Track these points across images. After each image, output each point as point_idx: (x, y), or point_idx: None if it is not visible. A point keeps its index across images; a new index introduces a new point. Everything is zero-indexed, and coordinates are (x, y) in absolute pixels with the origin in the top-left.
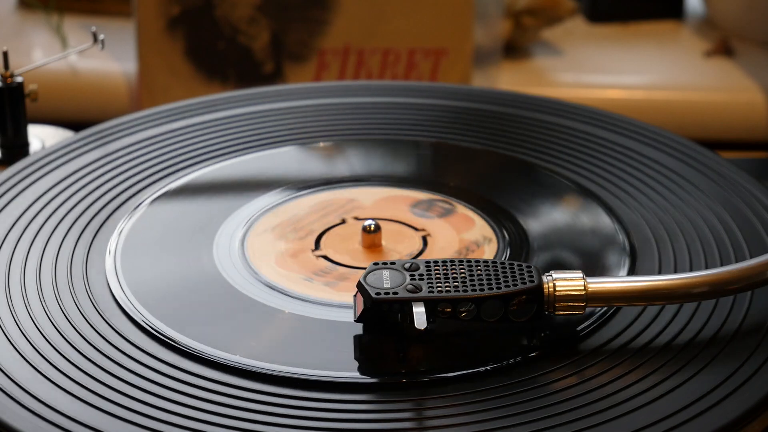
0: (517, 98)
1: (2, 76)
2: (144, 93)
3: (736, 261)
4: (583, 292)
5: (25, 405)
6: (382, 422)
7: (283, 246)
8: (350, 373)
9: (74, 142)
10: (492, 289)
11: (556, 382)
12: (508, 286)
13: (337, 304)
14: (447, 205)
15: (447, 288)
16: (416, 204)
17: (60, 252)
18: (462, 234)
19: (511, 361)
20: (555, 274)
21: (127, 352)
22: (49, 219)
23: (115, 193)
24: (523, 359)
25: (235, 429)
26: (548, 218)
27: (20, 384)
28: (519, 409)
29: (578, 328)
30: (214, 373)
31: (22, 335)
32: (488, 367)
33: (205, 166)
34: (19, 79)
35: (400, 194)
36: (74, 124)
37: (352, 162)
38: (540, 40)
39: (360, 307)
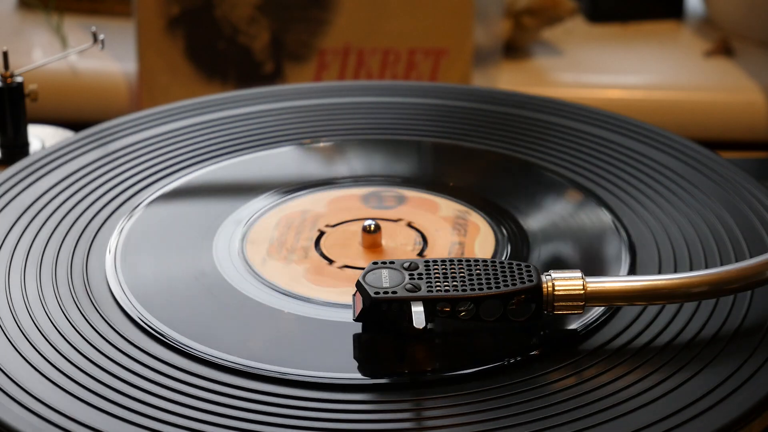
0: (517, 98)
1: (2, 76)
2: (144, 93)
3: (736, 261)
4: (582, 292)
5: (25, 405)
6: (381, 422)
7: (283, 245)
8: (350, 373)
9: (74, 142)
10: (491, 288)
11: (555, 382)
12: (507, 286)
13: (336, 304)
14: (396, 194)
15: (446, 287)
16: (365, 199)
17: (60, 252)
18: (438, 213)
19: (511, 361)
20: (554, 274)
21: (127, 352)
22: (49, 219)
23: (115, 193)
24: (523, 359)
25: (235, 429)
26: (548, 218)
27: (20, 384)
28: (519, 409)
29: (578, 328)
30: (214, 373)
31: (22, 335)
32: (488, 367)
33: (204, 166)
34: (19, 79)
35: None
36: (74, 124)
37: (351, 162)
38: (540, 40)
39: (359, 307)
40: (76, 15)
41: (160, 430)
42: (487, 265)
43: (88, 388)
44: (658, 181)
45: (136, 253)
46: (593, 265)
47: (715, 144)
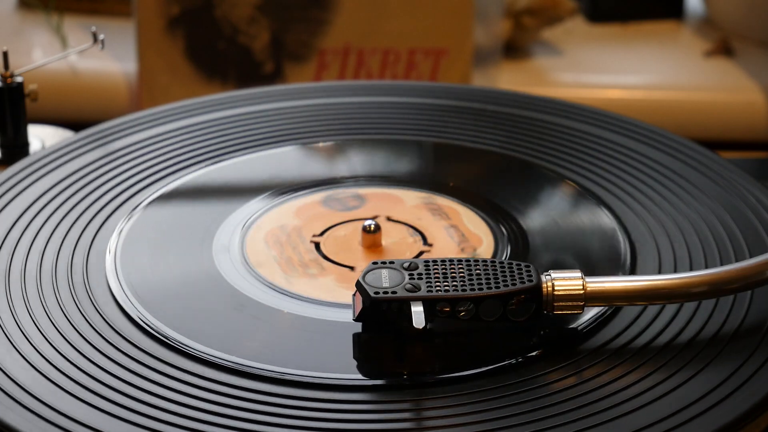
0: (517, 98)
1: (2, 76)
2: (144, 93)
3: (736, 261)
4: (582, 292)
5: (25, 405)
6: (381, 422)
7: (282, 245)
8: (350, 373)
9: (74, 142)
10: (491, 288)
11: (556, 382)
12: (507, 286)
13: (336, 304)
14: (356, 199)
15: (446, 287)
16: (326, 201)
17: (60, 252)
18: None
19: (511, 361)
20: (554, 274)
21: (127, 352)
22: (49, 219)
23: (115, 193)
24: (523, 359)
25: (235, 429)
26: (548, 218)
27: (20, 384)
28: (519, 409)
29: (578, 328)
30: (214, 373)
31: (22, 335)
32: (488, 368)
33: (204, 166)
34: (19, 79)
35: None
36: (74, 124)
37: (352, 162)
38: (540, 40)
39: (359, 307)
40: (76, 15)
41: (160, 430)
42: (487, 265)
43: (88, 388)
44: (658, 181)
45: (136, 253)
46: (593, 265)
47: (715, 144)
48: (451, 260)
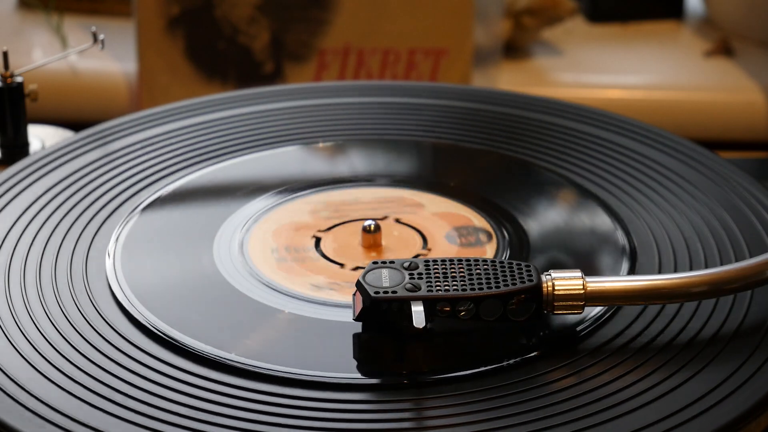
0: (517, 98)
1: (2, 76)
2: (144, 93)
3: (736, 261)
4: (582, 292)
5: (25, 405)
6: (381, 422)
7: (283, 245)
8: (350, 373)
9: (74, 142)
10: (491, 288)
11: (555, 382)
12: (507, 286)
13: (336, 304)
14: (484, 237)
15: (446, 287)
16: (457, 228)
17: (60, 252)
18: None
19: (511, 361)
20: (554, 273)
21: (127, 352)
22: (49, 219)
23: (115, 193)
24: (523, 359)
25: (235, 429)
26: (548, 218)
27: (20, 384)
28: (519, 409)
29: (578, 328)
30: (214, 373)
31: (22, 335)
32: (488, 367)
33: (205, 167)
34: (19, 79)
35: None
36: (74, 124)
37: (352, 162)
38: (540, 40)
39: (359, 306)
40: (76, 15)
41: (160, 430)
42: (487, 265)
43: (88, 388)
44: (658, 181)
45: (136, 254)
46: (593, 265)
47: (715, 144)
48: (451, 260)
